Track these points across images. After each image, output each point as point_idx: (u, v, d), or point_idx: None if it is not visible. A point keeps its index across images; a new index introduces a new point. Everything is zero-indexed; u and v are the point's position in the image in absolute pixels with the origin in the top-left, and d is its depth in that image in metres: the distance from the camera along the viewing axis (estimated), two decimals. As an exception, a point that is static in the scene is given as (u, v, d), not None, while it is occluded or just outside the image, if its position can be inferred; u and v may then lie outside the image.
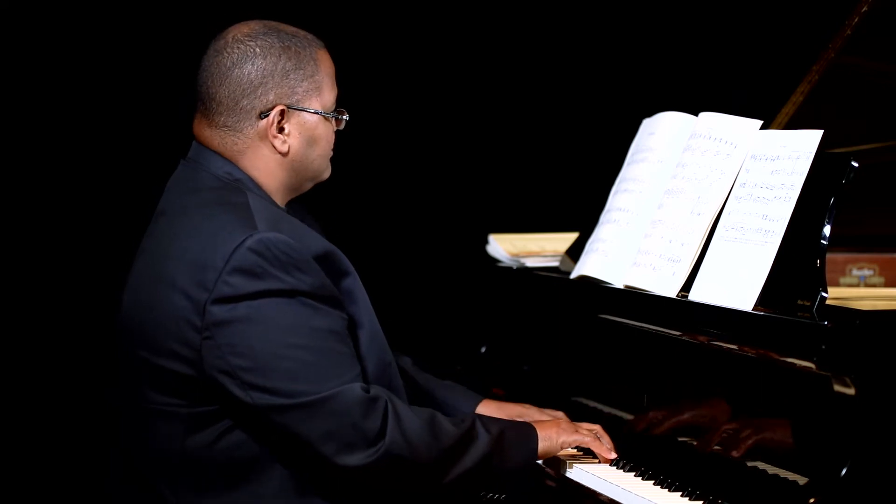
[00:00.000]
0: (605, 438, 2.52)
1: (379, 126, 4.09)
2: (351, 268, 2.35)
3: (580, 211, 2.96)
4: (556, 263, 3.08)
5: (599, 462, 2.49)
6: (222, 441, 2.25)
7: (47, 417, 3.73)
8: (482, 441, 2.34)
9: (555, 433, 2.47)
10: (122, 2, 3.72)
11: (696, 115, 2.62)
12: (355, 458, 2.20)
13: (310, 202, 2.53)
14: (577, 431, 2.49)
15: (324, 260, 2.28)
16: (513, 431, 2.42)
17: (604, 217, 2.77)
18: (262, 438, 2.25)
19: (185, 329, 2.20)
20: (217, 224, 2.23)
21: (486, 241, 3.26)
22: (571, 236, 3.02)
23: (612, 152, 2.92)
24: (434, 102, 4.17)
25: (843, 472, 2.07)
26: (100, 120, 3.75)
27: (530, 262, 3.14)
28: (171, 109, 2.69)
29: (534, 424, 2.47)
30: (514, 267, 3.13)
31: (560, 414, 2.63)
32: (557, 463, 2.52)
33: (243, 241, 2.19)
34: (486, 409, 2.66)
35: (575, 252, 2.88)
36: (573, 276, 2.78)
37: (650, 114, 2.78)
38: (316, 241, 2.29)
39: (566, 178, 4.19)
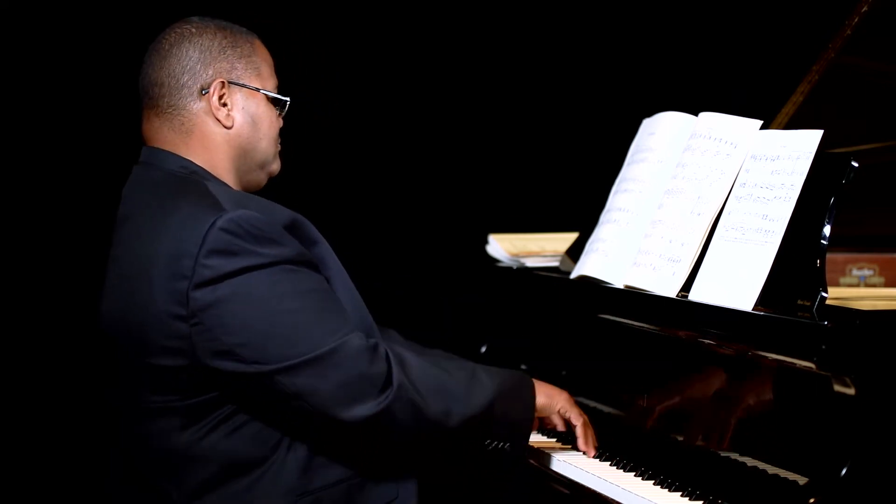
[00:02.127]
0: (590, 430, 2.55)
1: (379, 126, 4.10)
2: (320, 236, 2.37)
3: (580, 211, 2.96)
4: (556, 263, 3.08)
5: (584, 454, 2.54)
6: (221, 429, 2.26)
7: (47, 417, 3.72)
8: (486, 386, 2.37)
9: (557, 393, 2.51)
10: (95, 11, 3.72)
11: (696, 115, 2.62)
12: (367, 408, 2.21)
13: (310, 202, 2.54)
14: (576, 406, 2.53)
15: (292, 229, 2.30)
16: (512, 381, 2.44)
17: (604, 217, 2.77)
18: (264, 419, 2.27)
19: (170, 322, 2.21)
20: (183, 215, 2.25)
21: (486, 241, 3.26)
22: (571, 236, 3.02)
23: (612, 152, 2.92)
24: (434, 102, 4.17)
25: (843, 472, 2.07)
26: (81, 122, 3.74)
27: (530, 262, 3.14)
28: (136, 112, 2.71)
29: (534, 380, 2.50)
30: (514, 267, 3.13)
31: None
32: (548, 459, 2.53)
33: (213, 222, 2.20)
34: None
35: (575, 252, 2.89)
36: (573, 276, 2.78)
37: (650, 114, 2.78)
38: (282, 212, 2.31)
39: (566, 178, 4.19)
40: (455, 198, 4.22)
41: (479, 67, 4.21)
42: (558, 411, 2.52)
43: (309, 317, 2.22)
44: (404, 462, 2.39)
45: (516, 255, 3.17)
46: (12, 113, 3.68)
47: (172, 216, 2.25)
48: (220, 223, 2.20)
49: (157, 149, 2.40)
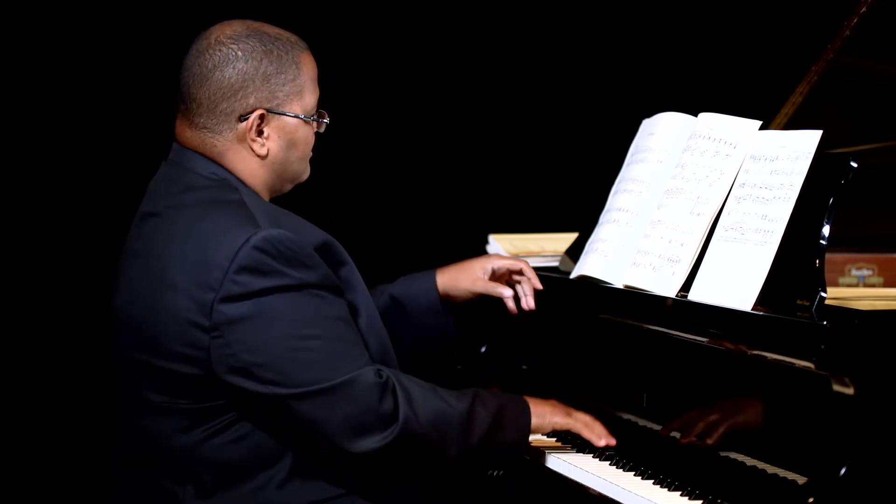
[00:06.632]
0: (598, 426, 2.54)
1: (379, 126, 4.10)
2: (348, 257, 2.37)
3: (580, 211, 2.96)
4: (556, 263, 3.08)
5: (592, 453, 2.54)
6: (226, 434, 2.26)
7: (47, 417, 3.73)
8: (483, 417, 2.37)
9: (548, 412, 2.51)
10: (105, 3, 3.72)
11: (696, 115, 2.62)
12: (372, 442, 2.22)
13: (311, 202, 2.54)
14: (569, 415, 2.52)
15: (323, 250, 2.30)
16: (508, 407, 2.45)
17: (603, 217, 2.78)
18: (270, 429, 2.27)
19: (190, 331, 2.20)
20: (215, 223, 2.23)
21: (486, 241, 3.26)
22: (571, 236, 3.02)
23: (612, 152, 2.92)
24: (434, 102, 4.17)
25: (842, 471, 2.07)
26: (84, 121, 3.74)
27: (530, 262, 3.14)
28: (153, 110, 2.70)
29: (527, 400, 2.50)
30: (514, 267, 3.12)
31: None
32: (548, 459, 2.53)
33: (248, 238, 2.19)
34: (442, 277, 2.81)
35: (575, 252, 2.89)
36: (573, 276, 2.78)
37: (650, 114, 2.79)
38: (313, 233, 2.31)
39: (566, 179, 4.19)
40: (455, 198, 4.22)
41: (480, 68, 4.21)
42: (552, 427, 2.52)
43: (328, 345, 2.22)
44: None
45: (516, 256, 3.17)
46: (11, 112, 3.69)
47: (203, 222, 2.24)
48: (254, 241, 2.19)
49: (189, 150, 2.36)
